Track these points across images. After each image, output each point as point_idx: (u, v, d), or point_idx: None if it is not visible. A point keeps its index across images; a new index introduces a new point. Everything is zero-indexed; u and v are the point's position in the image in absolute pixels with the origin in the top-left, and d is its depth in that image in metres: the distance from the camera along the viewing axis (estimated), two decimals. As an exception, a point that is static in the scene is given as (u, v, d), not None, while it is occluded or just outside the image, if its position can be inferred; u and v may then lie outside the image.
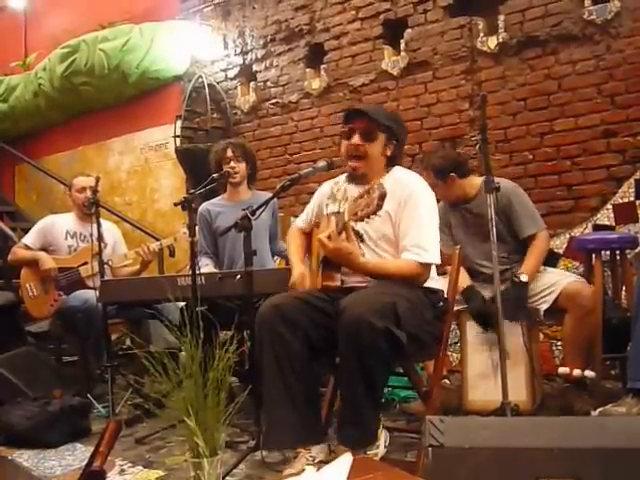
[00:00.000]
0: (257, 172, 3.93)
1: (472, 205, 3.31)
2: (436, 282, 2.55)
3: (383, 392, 2.62)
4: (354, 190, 2.55)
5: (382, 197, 2.15)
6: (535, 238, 3.18)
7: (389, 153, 2.58)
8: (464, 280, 3.17)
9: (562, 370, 3.08)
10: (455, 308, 2.86)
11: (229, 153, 3.65)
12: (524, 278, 3.03)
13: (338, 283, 2.52)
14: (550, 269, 3.30)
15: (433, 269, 2.52)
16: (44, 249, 4.09)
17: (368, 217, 2.19)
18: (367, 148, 2.52)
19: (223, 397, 1.43)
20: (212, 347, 1.49)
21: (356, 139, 2.52)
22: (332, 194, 2.71)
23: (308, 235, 2.88)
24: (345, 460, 1.41)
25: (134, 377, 3.66)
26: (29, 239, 4.14)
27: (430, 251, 2.41)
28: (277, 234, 3.88)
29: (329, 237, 2.27)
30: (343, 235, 2.30)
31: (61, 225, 4.17)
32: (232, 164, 3.65)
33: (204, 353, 1.47)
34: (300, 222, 2.93)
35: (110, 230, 4.22)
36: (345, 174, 2.70)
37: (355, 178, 2.61)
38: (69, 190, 4.23)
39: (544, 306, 3.08)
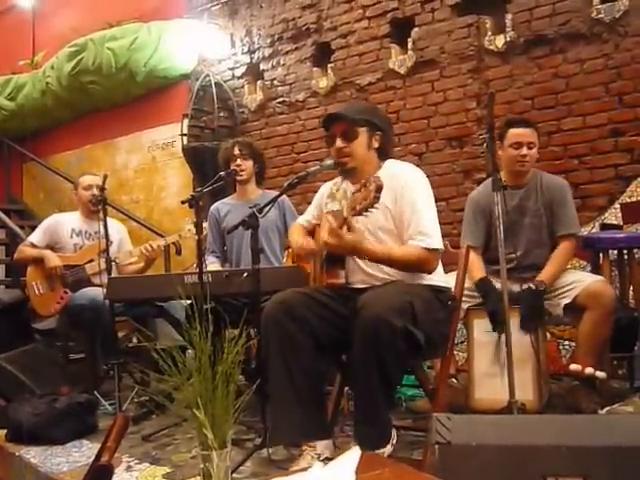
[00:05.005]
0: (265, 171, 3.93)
1: (519, 192, 3.21)
2: (443, 278, 2.55)
3: (396, 391, 2.61)
4: (351, 188, 2.56)
5: (379, 189, 2.13)
6: (562, 242, 3.13)
7: (377, 145, 2.58)
8: (478, 271, 3.12)
9: (574, 367, 3.02)
10: (463, 306, 2.85)
11: (236, 151, 3.65)
12: (541, 286, 2.99)
13: (343, 280, 2.53)
14: (573, 270, 3.25)
15: (440, 266, 2.50)
16: (50, 247, 4.08)
17: (366, 210, 2.17)
18: (351, 148, 2.53)
19: (232, 390, 1.43)
20: (221, 341, 1.49)
21: (338, 143, 2.53)
22: (332, 193, 2.72)
23: (310, 233, 2.89)
24: (353, 455, 1.40)
25: (141, 374, 3.66)
26: (35, 237, 4.14)
27: (433, 237, 2.39)
28: None
29: (330, 234, 2.27)
30: (345, 229, 2.29)
31: (67, 223, 4.17)
32: (239, 162, 3.65)
33: (213, 346, 1.47)
34: (302, 220, 2.94)
35: (115, 228, 4.21)
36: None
37: (349, 176, 2.61)
38: (75, 188, 4.23)
39: (565, 300, 3.00)
